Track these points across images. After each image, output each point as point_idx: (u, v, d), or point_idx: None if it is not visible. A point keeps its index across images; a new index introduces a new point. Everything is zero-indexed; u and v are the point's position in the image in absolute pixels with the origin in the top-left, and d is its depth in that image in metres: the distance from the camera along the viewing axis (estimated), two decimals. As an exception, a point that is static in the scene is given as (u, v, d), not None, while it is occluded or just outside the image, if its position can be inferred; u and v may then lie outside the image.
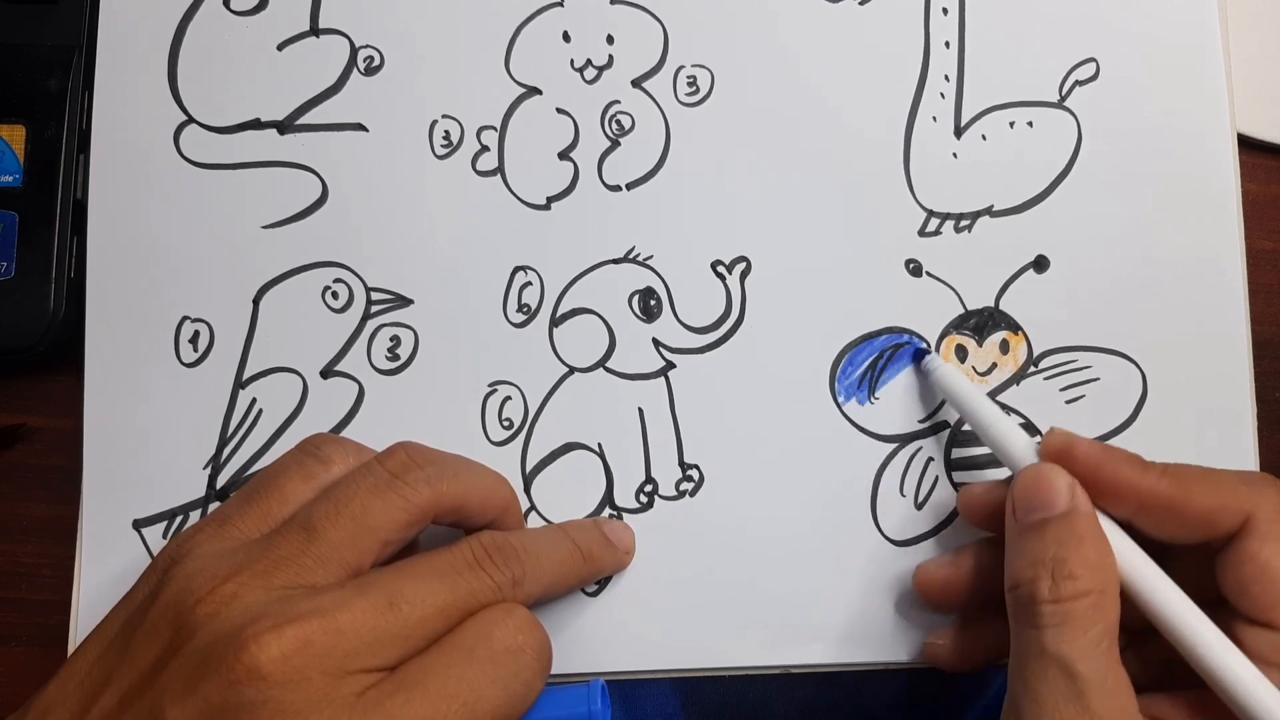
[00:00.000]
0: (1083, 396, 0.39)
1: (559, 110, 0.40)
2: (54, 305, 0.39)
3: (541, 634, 0.31)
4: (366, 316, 0.39)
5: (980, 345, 0.39)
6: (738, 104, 0.40)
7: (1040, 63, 0.40)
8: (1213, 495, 0.31)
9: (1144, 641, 0.33)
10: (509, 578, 0.31)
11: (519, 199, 0.40)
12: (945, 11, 0.40)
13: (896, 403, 0.39)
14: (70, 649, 0.37)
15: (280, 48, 0.40)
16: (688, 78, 0.40)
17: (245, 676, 0.26)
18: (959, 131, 0.40)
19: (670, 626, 0.37)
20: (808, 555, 0.38)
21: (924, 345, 0.39)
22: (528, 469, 0.38)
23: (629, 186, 0.40)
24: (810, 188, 0.40)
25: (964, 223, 0.40)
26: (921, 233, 0.40)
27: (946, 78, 0.40)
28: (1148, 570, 0.31)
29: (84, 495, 0.38)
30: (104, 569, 0.38)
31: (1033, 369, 0.39)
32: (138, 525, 0.38)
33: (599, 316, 0.39)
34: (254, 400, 0.39)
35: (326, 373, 0.39)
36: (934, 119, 0.40)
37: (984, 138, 0.40)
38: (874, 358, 0.39)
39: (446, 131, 0.40)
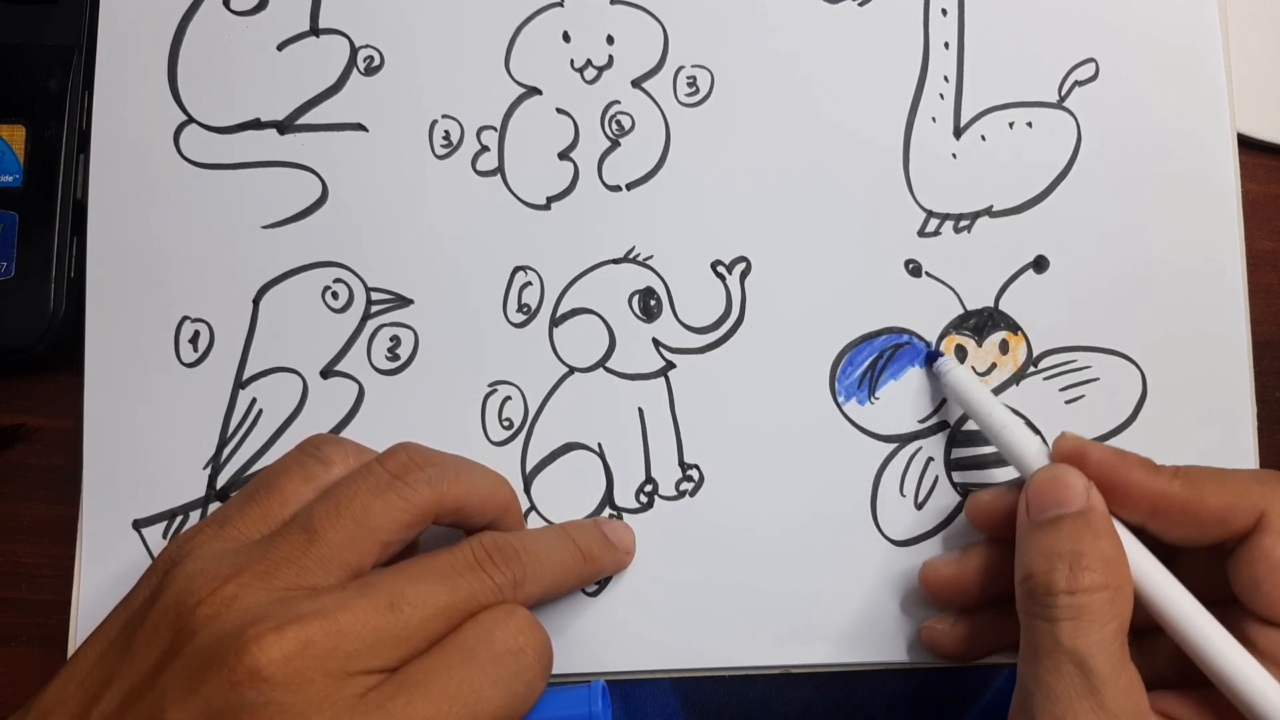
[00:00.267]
0: (1083, 396, 0.39)
1: (559, 110, 0.40)
2: (54, 305, 0.39)
3: (542, 635, 0.31)
4: (366, 316, 0.39)
5: (980, 345, 0.39)
6: (738, 104, 0.40)
7: (1040, 63, 0.40)
8: (1226, 495, 0.32)
9: (1147, 642, 0.33)
10: (510, 579, 0.31)
11: (519, 199, 0.40)
12: (944, 12, 0.40)
13: (896, 403, 0.39)
14: (70, 649, 0.37)
15: (280, 48, 0.40)
16: (688, 78, 0.40)
17: (246, 678, 0.26)
18: (958, 132, 0.40)
19: (670, 626, 0.37)
20: (807, 555, 0.38)
21: (935, 348, 0.39)
22: (528, 469, 0.38)
23: (629, 186, 0.40)
24: (810, 188, 0.40)
25: (963, 223, 0.40)
26: (921, 233, 0.40)
27: (946, 78, 0.40)
28: (1155, 572, 0.31)
29: (84, 495, 0.38)
30: (104, 569, 0.38)
31: (1032, 369, 0.39)
32: (138, 525, 0.38)
33: (599, 316, 0.39)
34: (254, 400, 0.39)
35: (326, 373, 0.39)
36: (933, 119, 0.40)
37: (983, 138, 0.40)
38: (874, 358, 0.39)
39: (446, 131, 0.40)
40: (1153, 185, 0.40)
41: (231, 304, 0.39)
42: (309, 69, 0.40)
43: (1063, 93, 0.40)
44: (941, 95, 0.40)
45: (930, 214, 0.40)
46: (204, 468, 0.38)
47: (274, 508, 0.31)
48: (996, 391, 0.39)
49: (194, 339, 0.39)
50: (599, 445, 0.38)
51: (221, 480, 0.38)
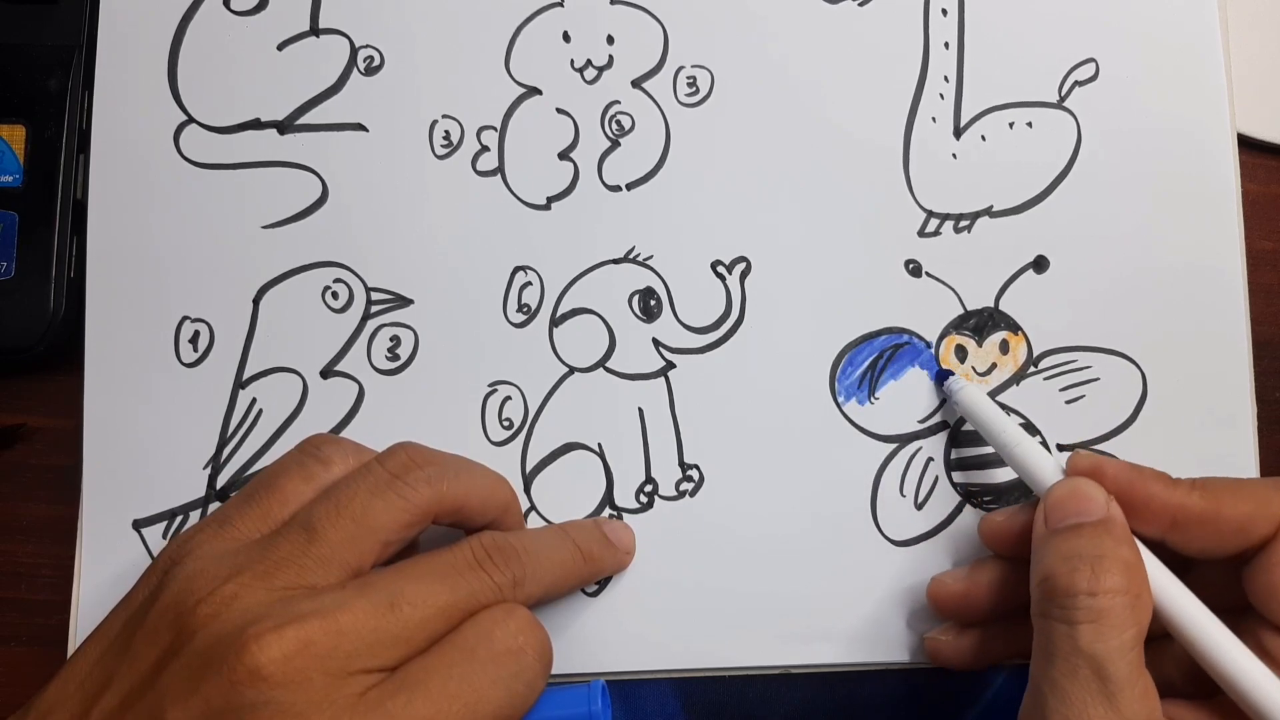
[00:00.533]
0: (1083, 397, 0.39)
1: (559, 110, 0.40)
2: (54, 305, 0.39)
3: (542, 634, 0.31)
4: (366, 316, 0.39)
5: (980, 345, 0.39)
6: (738, 104, 0.40)
7: (1040, 63, 0.40)
8: (1245, 504, 0.32)
9: (1155, 649, 0.33)
10: (510, 578, 0.31)
11: (519, 199, 0.40)
12: (944, 12, 0.40)
13: (896, 403, 0.39)
14: (70, 649, 0.37)
15: (280, 48, 0.40)
16: (688, 78, 0.40)
17: (246, 677, 0.26)
18: (958, 132, 0.40)
19: (670, 627, 0.37)
20: (807, 555, 0.38)
21: (943, 367, 0.39)
22: (528, 469, 0.38)
23: (629, 186, 0.40)
24: (810, 188, 0.40)
25: (963, 223, 0.40)
26: (921, 233, 0.40)
27: (946, 78, 0.40)
28: (1168, 582, 0.31)
29: (84, 495, 0.38)
30: (104, 569, 0.38)
31: (1033, 369, 0.39)
32: (138, 525, 0.38)
33: (599, 316, 0.39)
34: (254, 400, 0.39)
35: (326, 373, 0.39)
36: (933, 120, 0.40)
37: (983, 138, 0.40)
38: (874, 358, 0.39)
39: (446, 131, 0.40)
40: (1153, 185, 0.40)
41: (231, 304, 0.39)
42: (309, 69, 0.40)
43: (1063, 93, 0.40)
44: (941, 95, 0.40)
45: (930, 214, 0.40)
46: (204, 468, 0.38)
47: (274, 508, 0.31)
48: (997, 392, 0.39)
49: (194, 339, 0.39)
50: (599, 445, 0.38)
51: (221, 480, 0.38)
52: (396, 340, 0.39)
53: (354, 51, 0.40)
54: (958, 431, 0.39)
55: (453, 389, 0.39)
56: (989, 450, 0.38)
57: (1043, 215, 0.40)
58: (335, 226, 0.39)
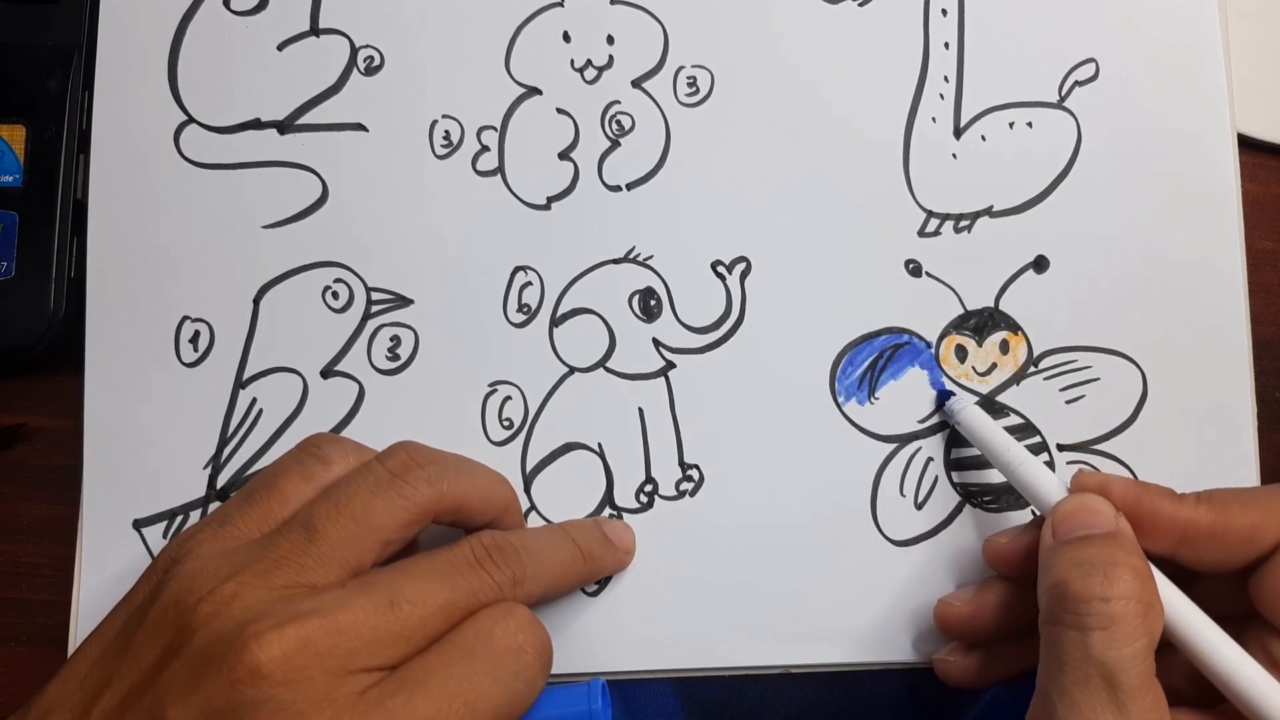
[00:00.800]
0: (1083, 396, 0.39)
1: (559, 110, 0.40)
2: (54, 305, 0.39)
3: (542, 633, 0.31)
4: (366, 316, 0.39)
5: (980, 345, 0.39)
6: (738, 104, 0.40)
7: (1040, 63, 0.40)
8: (1251, 514, 0.31)
9: (1161, 659, 0.33)
10: (510, 577, 0.31)
11: (519, 199, 0.40)
12: (944, 12, 0.40)
13: (896, 403, 0.39)
14: (70, 649, 0.37)
15: (280, 48, 0.40)
16: (688, 78, 0.40)
17: (246, 676, 0.26)
18: (958, 132, 0.40)
19: (670, 626, 0.37)
20: (807, 555, 0.38)
21: (945, 388, 0.39)
22: (528, 469, 0.38)
23: (629, 186, 0.40)
24: (810, 188, 0.40)
25: (964, 223, 0.40)
26: (921, 233, 0.40)
27: (946, 78, 0.40)
28: (1172, 595, 0.31)
29: (84, 495, 0.38)
30: (104, 569, 0.38)
31: (1033, 369, 0.39)
32: (138, 525, 0.38)
33: (599, 316, 0.39)
34: (254, 400, 0.39)
35: (326, 373, 0.39)
36: (933, 119, 0.40)
37: (983, 138, 0.40)
38: (874, 358, 0.39)
39: (446, 131, 0.40)
40: (1153, 185, 0.40)
41: (231, 304, 0.39)
42: (309, 69, 0.40)
43: (1063, 93, 0.40)
44: (941, 95, 0.40)
45: (930, 214, 0.40)
46: (204, 468, 0.38)
47: (274, 507, 0.31)
48: (997, 391, 0.39)
49: (194, 339, 0.39)
50: (599, 445, 0.38)
51: (221, 480, 0.38)
52: (397, 340, 0.39)
53: (354, 51, 0.40)
54: (958, 432, 0.39)
55: (453, 389, 0.39)
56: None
57: (1043, 215, 0.40)
58: (335, 226, 0.39)
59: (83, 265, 0.39)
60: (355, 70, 0.40)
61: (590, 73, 0.40)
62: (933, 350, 0.39)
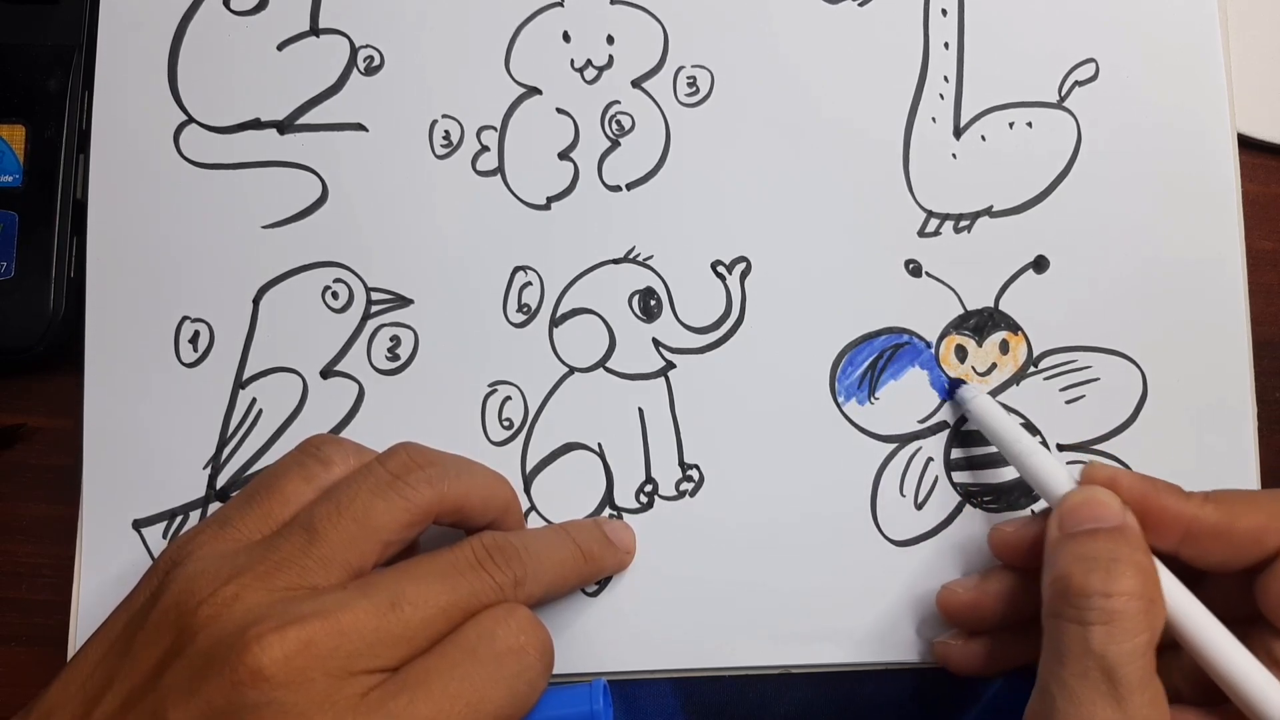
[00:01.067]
0: (1083, 397, 0.39)
1: (559, 110, 0.40)
2: (54, 305, 0.39)
3: (544, 633, 0.31)
4: (366, 316, 0.39)
5: (980, 345, 0.39)
6: (738, 104, 0.40)
7: (1040, 63, 0.40)
8: (1258, 515, 0.31)
9: (1163, 658, 0.33)
10: (510, 578, 0.31)
11: (519, 199, 0.40)
12: (944, 12, 0.40)
13: (896, 403, 0.39)
14: (70, 649, 0.37)
15: (280, 48, 0.40)
16: (688, 78, 0.40)
17: (248, 678, 0.26)
18: (958, 132, 0.40)
19: (670, 626, 0.37)
20: (807, 555, 0.38)
21: (958, 377, 0.39)
22: (528, 469, 0.38)
23: (629, 186, 0.40)
24: (810, 188, 0.40)
25: (964, 223, 0.40)
26: (921, 233, 0.40)
27: (946, 78, 0.40)
28: (1178, 592, 0.31)
29: (84, 495, 0.38)
30: (104, 569, 0.38)
31: (1033, 369, 0.39)
32: (138, 525, 0.38)
33: (599, 316, 0.39)
34: (254, 400, 0.39)
35: (326, 373, 0.39)
36: (933, 119, 0.40)
37: (983, 138, 0.40)
38: (874, 358, 0.39)
39: (446, 131, 0.40)
40: (1153, 185, 0.40)
41: (231, 304, 0.39)
42: (309, 69, 0.40)
43: (1063, 93, 0.40)
44: (941, 95, 0.40)
45: (930, 214, 0.40)
46: (204, 468, 0.38)
47: (274, 508, 0.31)
48: (997, 392, 0.39)
49: (194, 339, 0.39)
50: (599, 445, 0.38)
51: (221, 480, 0.38)
52: (396, 340, 0.39)
53: (354, 51, 0.40)
54: (958, 431, 0.39)
55: (453, 389, 0.39)
56: (989, 450, 0.38)
57: (1043, 215, 0.40)
58: (335, 226, 0.39)
59: (82, 265, 0.39)
60: (355, 70, 0.40)
61: (590, 73, 0.40)
62: (933, 350, 0.39)
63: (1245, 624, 0.32)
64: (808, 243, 0.39)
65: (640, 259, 0.39)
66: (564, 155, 0.40)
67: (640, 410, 0.39)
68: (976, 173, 0.40)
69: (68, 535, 0.38)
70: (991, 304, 0.39)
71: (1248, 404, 0.39)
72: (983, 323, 0.39)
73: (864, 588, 0.38)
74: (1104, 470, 0.33)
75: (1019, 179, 0.40)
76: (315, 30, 0.40)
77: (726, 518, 0.38)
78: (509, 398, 0.39)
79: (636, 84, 0.40)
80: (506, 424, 0.39)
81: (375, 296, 0.39)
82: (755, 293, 0.39)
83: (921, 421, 0.39)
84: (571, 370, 0.39)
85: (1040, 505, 0.38)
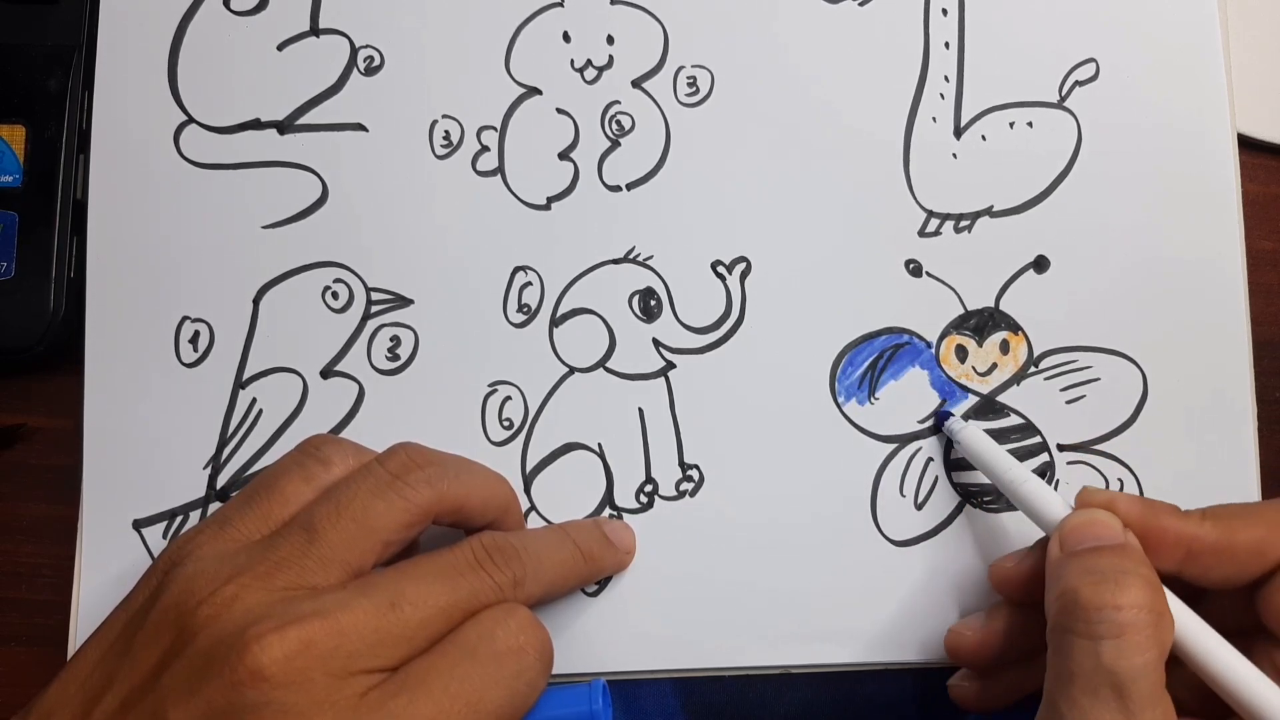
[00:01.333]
0: (1083, 397, 0.39)
1: (559, 110, 0.40)
2: (54, 305, 0.39)
3: (543, 634, 0.31)
4: (366, 316, 0.39)
5: (980, 345, 0.39)
6: (738, 104, 0.40)
7: (1040, 63, 0.40)
8: (1257, 529, 0.31)
9: (1166, 673, 0.33)
10: (510, 578, 0.31)
11: (519, 199, 0.40)
12: (945, 12, 0.40)
13: (896, 403, 0.39)
14: (70, 649, 0.37)
15: (280, 48, 0.40)
16: (688, 78, 0.40)
17: (248, 678, 0.26)
18: (959, 132, 0.40)
19: (670, 626, 0.37)
20: (807, 555, 0.38)
21: (944, 408, 0.39)
22: (528, 469, 0.38)
23: (629, 187, 0.40)
24: (810, 188, 0.40)
25: (964, 223, 0.40)
26: (921, 233, 0.40)
27: (946, 78, 0.40)
28: (1178, 608, 0.31)
29: (84, 495, 0.38)
30: (104, 569, 0.38)
31: (1033, 369, 0.39)
32: (138, 525, 0.38)
33: (599, 316, 0.39)
34: (254, 400, 0.39)
35: (326, 373, 0.39)
36: (934, 119, 0.40)
37: (984, 138, 0.40)
38: (874, 358, 0.39)
39: (446, 131, 0.40)
40: (1153, 185, 0.40)
41: (231, 304, 0.39)
42: (309, 69, 0.40)
43: (1063, 92, 0.40)
44: (942, 95, 0.40)
45: (931, 214, 0.40)
46: (204, 468, 0.38)
47: (274, 508, 0.31)
48: (997, 392, 0.39)
49: (194, 339, 0.39)
50: (599, 445, 0.38)
51: (221, 480, 0.38)
52: (396, 340, 0.39)
53: (354, 51, 0.40)
54: (958, 431, 0.39)
55: (453, 389, 0.39)
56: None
57: (1043, 215, 0.40)
58: (335, 226, 0.39)
59: (82, 265, 0.39)
60: (355, 70, 0.40)
61: (590, 73, 0.40)
62: (933, 350, 0.39)
63: (1246, 636, 0.31)
64: (808, 243, 0.39)
65: (640, 259, 0.39)
66: (564, 155, 0.40)
67: (640, 410, 0.39)
68: (977, 172, 0.40)
69: (68, 535, 0.38)
70: (992, 304, 0.39)
71: (1248, 404, 0.39)
72: (983, 323, 0.39)
73: (864, 588, 0.38)
74: (1100, 494, 0.33)
75: (1019, 179, 0.40)
76: (315, 30, 0.40)
77: (726, 518, 0.38)
78: (509, 398, 0.39)
79: (637, 84, 0.40)
80: (506, 424, 0.39)
81: (375, 296, 0.39)
82: (755, 293, 0.39)
83: (921, 421, 0.39)
84: (571, 370, 0.39)
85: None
